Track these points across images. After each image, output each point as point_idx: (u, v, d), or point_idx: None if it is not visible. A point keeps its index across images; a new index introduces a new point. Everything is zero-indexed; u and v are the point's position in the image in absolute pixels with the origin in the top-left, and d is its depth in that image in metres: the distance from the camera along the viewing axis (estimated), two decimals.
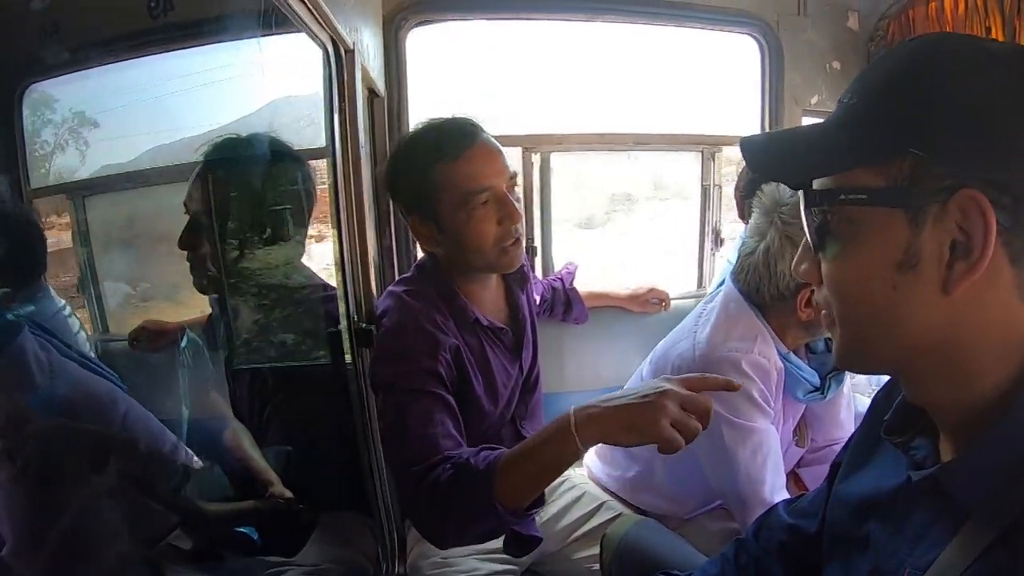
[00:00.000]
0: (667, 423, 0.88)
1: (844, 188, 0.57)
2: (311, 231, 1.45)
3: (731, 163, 2.33)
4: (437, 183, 1.22)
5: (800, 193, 0.62)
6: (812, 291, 1.21)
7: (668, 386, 0.93)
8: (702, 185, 2.29)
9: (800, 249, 0.66)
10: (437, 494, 1.01)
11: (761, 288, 1.30)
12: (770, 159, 0.65)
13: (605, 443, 0.96)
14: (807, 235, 0.63)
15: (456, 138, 1.23)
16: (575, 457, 0.96)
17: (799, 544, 0.85)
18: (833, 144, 0.59)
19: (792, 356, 1.32)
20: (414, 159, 1.26)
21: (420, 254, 1.53)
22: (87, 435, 0.78)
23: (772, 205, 1.26)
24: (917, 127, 0.53)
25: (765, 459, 1.26)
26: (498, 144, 1.27)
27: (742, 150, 0.65)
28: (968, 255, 0.51)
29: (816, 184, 0.60)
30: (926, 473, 0.59)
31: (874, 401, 0.79)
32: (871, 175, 0.55)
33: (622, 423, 0.92)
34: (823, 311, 0.65)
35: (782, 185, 1.24)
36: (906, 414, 0.67)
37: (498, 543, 1.26)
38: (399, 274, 1.85)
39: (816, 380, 1.36)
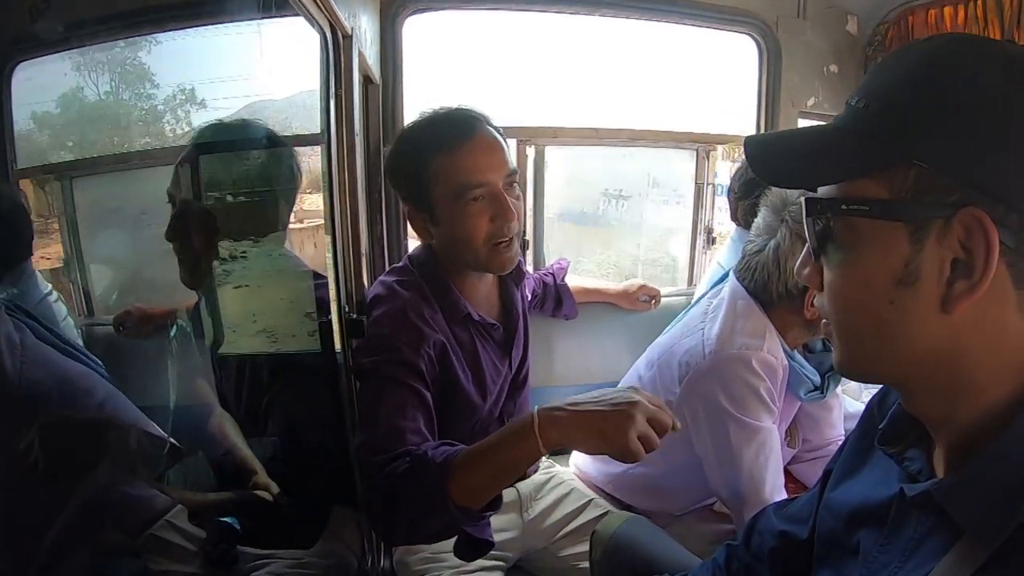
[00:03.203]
0: (634, 434, 0.88)
1: (847, 198, 0.56)
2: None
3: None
4: (432, 173, 1.20)
5: (802, 199, 0.61)
6: None
7: (637, 397, 0.92)
8: (696, 183, 2.29)
9: (803, 253, 0.65)
10: (392, 485, 0.99)
11: (769, 285, 1.30)
12: (773, 163, 0.63)
13: (568, 447, 0.94)
14: (809, 239, 0.62)
15: (456, 129, 1.21)
16: (534, 459, 0.94)
17: (789, 550, 0.85)
18: (838, 151, 0.57)
19: (796, 355, 1.33)
20: (413, 147, 1.24)
21: (412, 245, 1.51)
22: (60, 421, 0.76)
23: (781, 204, 1.27)
24: (922, 138, 0.51)
25: (767, 459, 1.26)
26: (501, 138, 1.24)
27: (745, 149, 0.63)
28: (970, 274, 0.50)
29: (820, 190, 0.59)
30: (920, 488, 0.58)
31: (868, 408, 0.78)
32: (874, 185, 0.54)
33: (590, 428, 0.91)
34: (823, 320, 0.64)
35: None
36: (900, 424, 0.66)
37: None
38: (390, 264, 1.83)
39: (817, 379, 1.37)
